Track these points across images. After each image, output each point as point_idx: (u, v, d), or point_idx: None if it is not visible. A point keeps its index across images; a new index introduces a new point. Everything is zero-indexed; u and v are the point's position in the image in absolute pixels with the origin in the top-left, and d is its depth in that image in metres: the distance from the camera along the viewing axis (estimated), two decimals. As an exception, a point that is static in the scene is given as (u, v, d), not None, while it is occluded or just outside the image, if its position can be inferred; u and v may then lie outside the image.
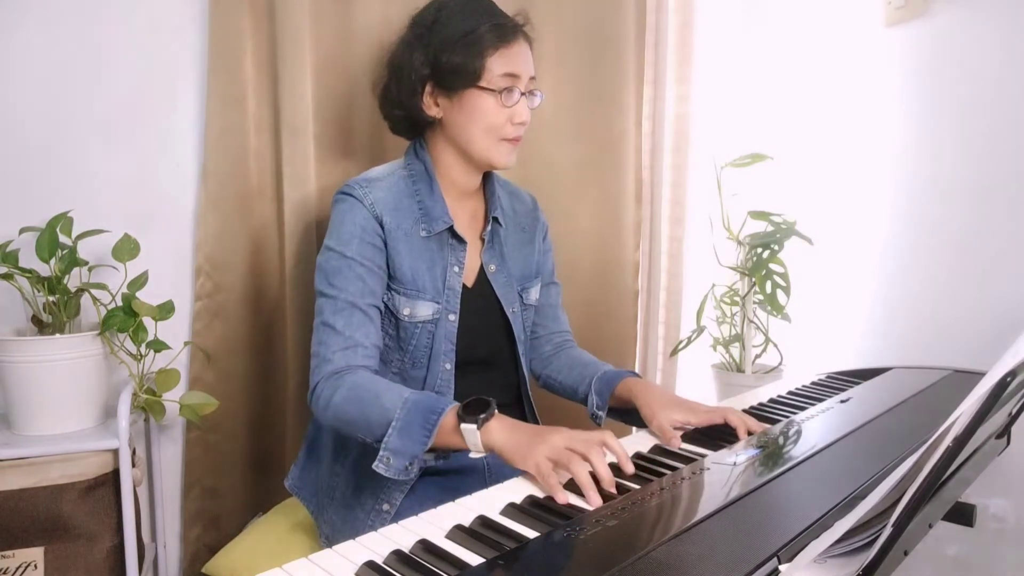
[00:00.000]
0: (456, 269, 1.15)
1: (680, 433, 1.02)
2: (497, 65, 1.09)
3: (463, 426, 0.90)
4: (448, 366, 1.14)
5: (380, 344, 1.10)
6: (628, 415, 1.17)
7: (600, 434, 0.87)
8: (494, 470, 1.18)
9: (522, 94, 1.12)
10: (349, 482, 1.12)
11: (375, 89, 1.22)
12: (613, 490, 0.82)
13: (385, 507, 1.08)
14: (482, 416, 0.90)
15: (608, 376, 1.19)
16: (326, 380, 1.03)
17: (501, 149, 1.13)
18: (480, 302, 1.19)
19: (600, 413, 1.18)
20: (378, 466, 0.94)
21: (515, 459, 0.87)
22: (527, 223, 1.30)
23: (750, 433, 1.02)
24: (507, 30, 1.11)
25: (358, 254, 1.08)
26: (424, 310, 1.12)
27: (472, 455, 0.91)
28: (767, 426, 1.04)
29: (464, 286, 1.17)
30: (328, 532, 1.13)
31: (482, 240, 1.21)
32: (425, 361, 1.13)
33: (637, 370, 1.79)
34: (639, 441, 1.01)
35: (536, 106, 1.16)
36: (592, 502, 0.79)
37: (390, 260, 1.11)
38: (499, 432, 0.89)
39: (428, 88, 1.13)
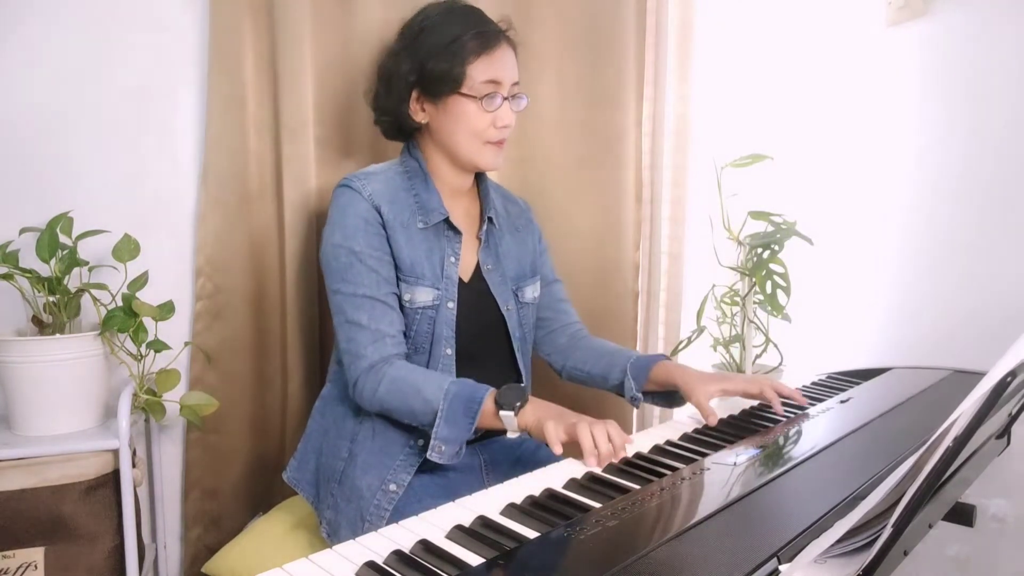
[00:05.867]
0: (452, 259, 1.18)
1: (717, 411, 1.11)
2: (479, 72, 1.13)
3: (502, 413, 1.02)
4: (449, 351, 1.17)
5: (404, 328, 1.15)
6: (662, 397, 1.24)
7: (606, 422, 0.97)
8: (492, 470, 1.19)
9: (504, 98, 1.16)
10: (355, 464, 1.13)
11: (367, 96, 1.26)
12: (615, 459, 0.94)
13: (392, 487, 1.09)
14: (518, 404, 1.01)
15: (643, 361, 1.23)
16: (365, 375, 1.10)
17: (486, 152, 1.18)
18: (476, 297, 1.21)
19: (639, 395, 1.21)
20: (431, 455, 1.03)
21: (535, 432, 1.00)
22: (520, 224, 1.34)
23: (797, 407, 1.15)
24: (489, 37, 1.15)
25: (366, 246, 1.12)
26: (424, 296, 1.15)
27: (510, 435, 1.03)
28: (801, 397, 1.15)
29: (460, 280, 1.19)
30: (331, 517, 1.13)
31: (479, 240, 1.24)
32: (427, 347, 1.16)
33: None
34: (640, 441, 1.01)
35: (520, 109, 1.20)
36: (588, 463, 0.93)
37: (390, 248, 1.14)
38: (531, 414, 1.02)
39: (415, 95, 1.18)
